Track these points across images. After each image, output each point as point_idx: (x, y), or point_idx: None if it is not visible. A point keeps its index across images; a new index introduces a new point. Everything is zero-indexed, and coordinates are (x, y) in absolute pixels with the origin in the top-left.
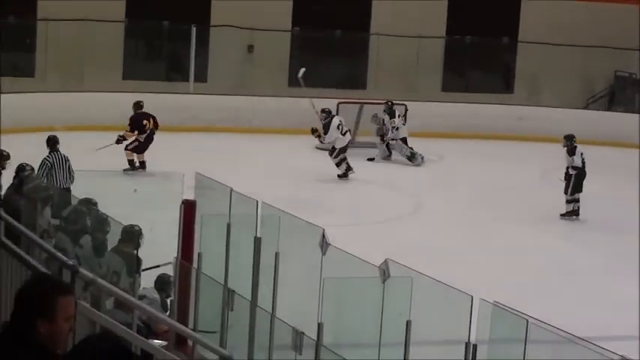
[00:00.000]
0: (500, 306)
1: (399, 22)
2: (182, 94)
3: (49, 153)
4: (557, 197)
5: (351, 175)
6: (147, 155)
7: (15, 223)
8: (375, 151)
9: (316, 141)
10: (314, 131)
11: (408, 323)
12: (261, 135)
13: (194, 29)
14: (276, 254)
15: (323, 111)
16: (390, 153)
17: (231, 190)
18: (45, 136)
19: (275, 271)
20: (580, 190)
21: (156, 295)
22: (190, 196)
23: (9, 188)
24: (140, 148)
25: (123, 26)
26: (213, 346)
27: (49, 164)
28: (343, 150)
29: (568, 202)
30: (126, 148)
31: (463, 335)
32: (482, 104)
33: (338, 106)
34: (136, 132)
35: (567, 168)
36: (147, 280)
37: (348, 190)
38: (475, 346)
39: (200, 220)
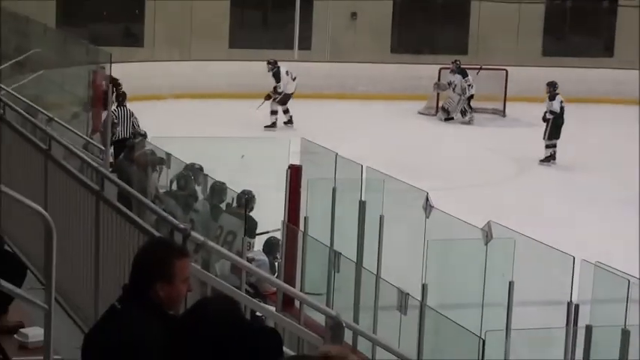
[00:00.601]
0: (602, 266)
1: None
2: (287, 62)
3: (116, 107)
4: None
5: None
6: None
7: (128, 188)
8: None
9: (419, 106)
10: (267, 96)
11: (511, 284)
12: (365, 101)
13: None
14: (381, 217)
15: (269, 62)
16: (471, 109)
17: (336, 154)
18: (153, 104)
19: (380, 233)
20: (557, 137)
21: (264, 258)
22: (296, 161)
23: (121, 153)
24: None
25: None
26: (321, 307)
27: (114, 118)
28: (288, 97)
29: (546, 147)
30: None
31: (565, 295)
32: (583, 68)
33: (440, 71)
34: None
35: (545, 112)
36: (257, 244)
37: (450, 154)
38: (577, 306)
39: (306, 185)
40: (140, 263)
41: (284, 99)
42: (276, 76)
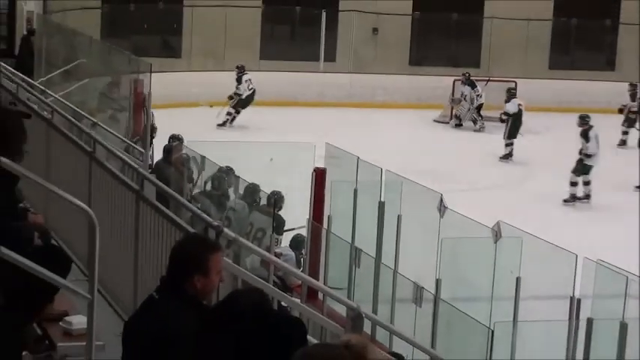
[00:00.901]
0: (603, 264)
1: (510, 6)
2: (313, 73)
3: None
4: None
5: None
6: (280, 129)
7: (166, 188)
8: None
9: (434, 114)
10: (230, 97)
11: (518, 279)
12: (385, 110)
13: (324, 14)
14: (399, 217)
15: (237, 67)
16: (481, 117)
17: (358, 158)
18: (189, 111)
19: (397, 231)
20: (514, 136)
21: (291, 253)
22: (321, 165)
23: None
24: None
25: (260, 11)
26: (342, 299)
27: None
28: (245, 102)
29: (506, 145)
30: None
31: (568, 290)
32: (586, 81)
33: (454, 83)
34: None
35: (501, 114)
36: (284, 240)
37: (462, 159)
38: (579, 301)
39: (330, 186)
40: (177, 258)
41: (242, 103)
42: (239, 81)
